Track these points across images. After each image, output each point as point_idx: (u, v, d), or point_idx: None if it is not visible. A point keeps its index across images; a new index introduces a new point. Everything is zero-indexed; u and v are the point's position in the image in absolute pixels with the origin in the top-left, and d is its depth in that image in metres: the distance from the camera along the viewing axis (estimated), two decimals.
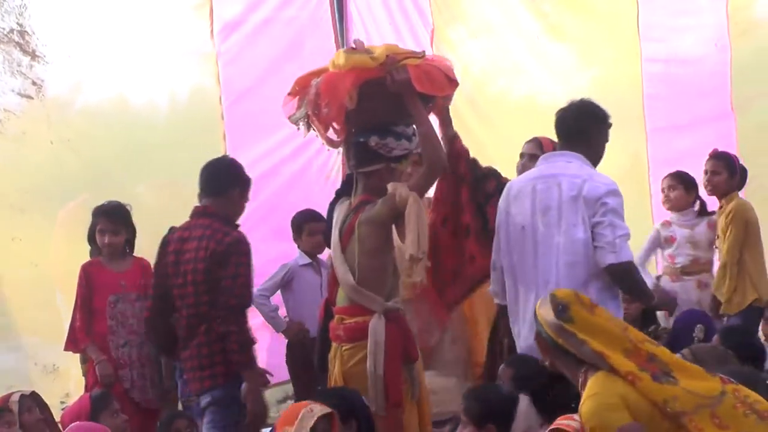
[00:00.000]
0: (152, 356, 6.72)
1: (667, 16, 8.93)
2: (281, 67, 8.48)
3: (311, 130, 5.59)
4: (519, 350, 5.62)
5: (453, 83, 5.56)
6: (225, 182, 5.98)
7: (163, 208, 8.31)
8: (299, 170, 8.87)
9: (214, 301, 5.69)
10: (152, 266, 6.31)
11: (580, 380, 4.08)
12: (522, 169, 6.52)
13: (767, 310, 7.59)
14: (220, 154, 7.56)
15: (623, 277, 5.50)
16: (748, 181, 7.93)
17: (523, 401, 4.73)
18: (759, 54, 9.14)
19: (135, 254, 6.93)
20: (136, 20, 8.21)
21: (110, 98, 8.43)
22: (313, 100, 5.41)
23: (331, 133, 5.57)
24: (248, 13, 8.78)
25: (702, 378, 4.04)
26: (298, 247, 7.82)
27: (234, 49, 8.70)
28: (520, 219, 5.58)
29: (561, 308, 4.07)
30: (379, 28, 9.18)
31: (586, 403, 3.98)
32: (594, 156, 5.68)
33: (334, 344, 5.44)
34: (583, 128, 5.68)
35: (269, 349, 7.98)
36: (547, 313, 4.11)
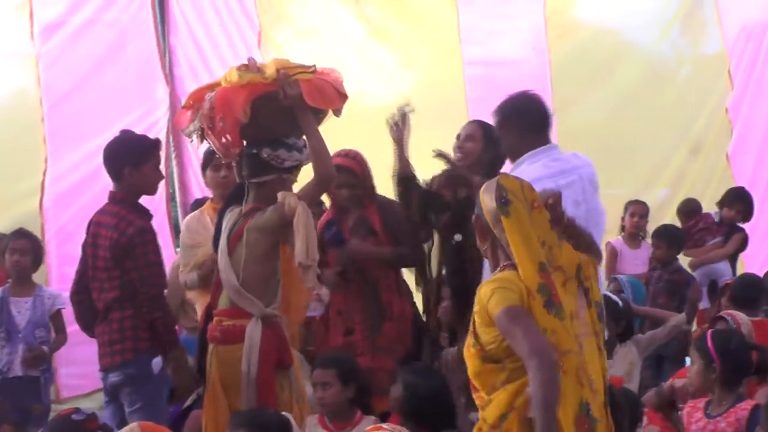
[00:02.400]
0: None
1: (485, 20, 9.14)
2: (103, 70, 8.43)
3: (203, 142, 5.63)
4: None
5: (342, 96, 5.63)
6: (116, 164, 5.93)
7: None
8: None
9: (124, 288, 5.77)
10: None
11: (498, 271, 4.05)
12: (458, 151, 6.52)
13: None
14: (41, 158, 7.43)
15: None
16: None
17: None
18: (576, 56, 9.44)
19: None
20: None
21: None
22: (207, 114, 5.44)
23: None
24: (69, 14, 8.68)
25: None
26: None
27: (55, 50, 8.59)
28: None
29: (504, 200, 3.95)
30: (206, 30, 9.18)
31: (486, 285, 3.97)
32: None
33: (210, 345, 5.52)
34: (548, 120, 5.71)
35: None
36: (489, 200, 3.99)
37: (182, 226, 6.93)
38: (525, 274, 3.92)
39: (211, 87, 5.61)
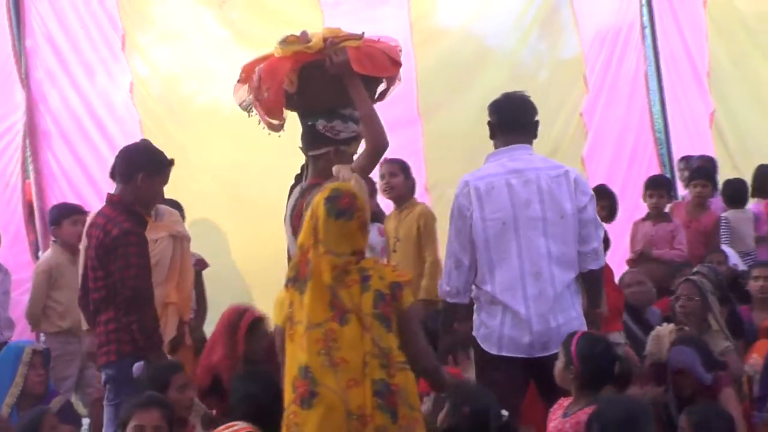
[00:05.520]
0: None
1: (351, 24, 9.10)
2: None
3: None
4: (500, 344, 5.59)
5: (397, 64, 5.56)
6: (131, 167, 6.01)
7: None
8: None
9: (108, 289, 5.84)
10: None
11: None
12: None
13: None
14: None
15: (596, 280, 5.71)
16: (431, 187, 8.22)
17: None
18: (441, 61, 9.54)
19: None
20: None
21: None
22: (255, 85, 5.40)
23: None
24: None
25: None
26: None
27: None
28: (500, 215, 5.57)
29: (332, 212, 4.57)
30: (67, 34, 8.99)
31: None
32: (531, 145, 5.81)
33: None
34: (533, 120, 5.81)
35: None
36: (320, 209, 4.57)
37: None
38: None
39: (263, 59, 5.53)
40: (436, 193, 9.19)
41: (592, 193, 5.66)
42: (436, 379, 4.94)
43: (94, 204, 8.50)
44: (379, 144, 5.34)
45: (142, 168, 5.99)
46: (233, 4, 9.24)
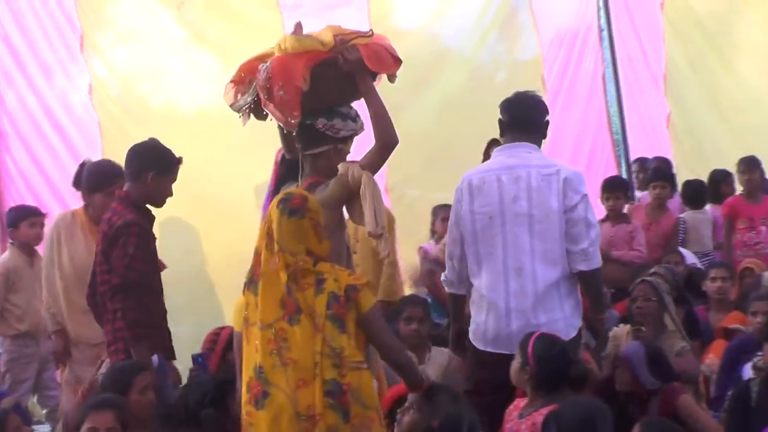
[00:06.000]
0: None
1: (311, 26, 9.12)
2: None
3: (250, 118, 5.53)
4: (485, 339, 5.63)
5: (397, 61, 5.55)
6: (142, 165, 5.98)
7: None
8: None
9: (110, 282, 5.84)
10: None
11: None
12: None
13: None
14: None
15: (590, 283, 5.65)
16: (391, 188, 8.23)
17: None
18: (402, 63, 9.53)
19: None
20: None
21: None
22: (263, 84, 5.27)
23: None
24: None
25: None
26: None
27: None
28: (488, 209, 5.61)
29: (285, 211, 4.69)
30: (24, 34, 8.92)
31: None
32: (540, 145, 5.82)
33: None
34: (539, 120, 5.82)
35: None
36: (274, 211, 4.68)
37: None
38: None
39: (262, 58, 5.44)
40: (395, 194, 9.22)
41: (585, 192, 5.63)
42: (407, 375, 4.97)
43: (51, 206, 8.48)
44: (389, 140, 5.36)
45: (153, 167, 5.96)
46: (192, 5, 9.20)
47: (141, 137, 8.64)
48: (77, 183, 7.00)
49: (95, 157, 8.49)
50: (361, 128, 5.49)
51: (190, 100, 9.08)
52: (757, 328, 6.28)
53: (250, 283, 4.69)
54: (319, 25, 9.32)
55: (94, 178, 6.81)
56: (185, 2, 9.16)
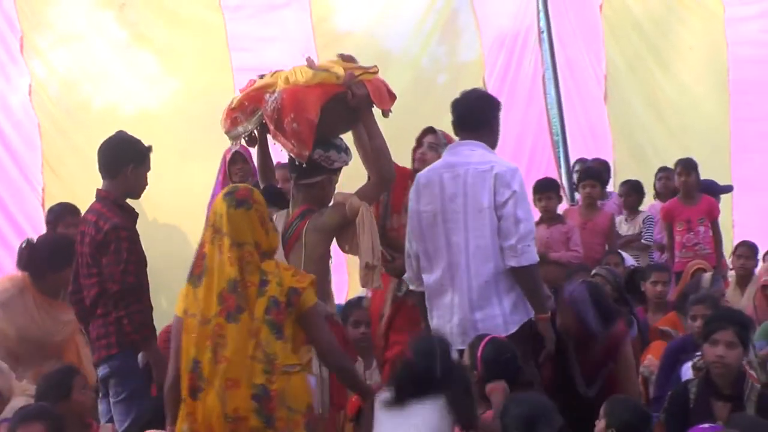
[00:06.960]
0: None
1: (253, 27, 9.13)
2: None
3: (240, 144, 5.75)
4: (432, 331, 5.76)
5: (393, 97, 5.74)
6: (119, 161, 5.96)
7: None
8: None
9: (102, 285, 5.83)
10: None
11: None
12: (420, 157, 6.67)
13: None
14: None
15: (523, 279, 5.66)
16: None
17: None
18: None
19: None
20: None
21: None
22: (271, 114, 5.40)
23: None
24: None
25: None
26: None
27: None
28: (431, 207, 5.77)
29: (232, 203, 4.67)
30: None
31: None
32: (494, 142, 5.90)
33: None
34: (484, 117, 5.90)
35: None
36: (221, 205, 4.70)
37: None
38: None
39: (265, 87, 5.54)
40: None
41: (517, 189, 5.65)
42: (347, 380, 5.04)
43: None
44: (388, 176, 5.59)
45: (130, 160, 5.96)
46: (133, 6, 9.15)
47: (81, 139, 8.71)
48: (26, 264, 6.82)
49: (35, 159, 8.52)
50: (350, 159, 5.65)
51: (131, 102, 9.02)
52: (696, 331, 6.34)
53: (191, 276, 4.74)
54: (262, 27, 9.41)
55: (56, 258, 6.68)
56: (126, 3, 9.11)
